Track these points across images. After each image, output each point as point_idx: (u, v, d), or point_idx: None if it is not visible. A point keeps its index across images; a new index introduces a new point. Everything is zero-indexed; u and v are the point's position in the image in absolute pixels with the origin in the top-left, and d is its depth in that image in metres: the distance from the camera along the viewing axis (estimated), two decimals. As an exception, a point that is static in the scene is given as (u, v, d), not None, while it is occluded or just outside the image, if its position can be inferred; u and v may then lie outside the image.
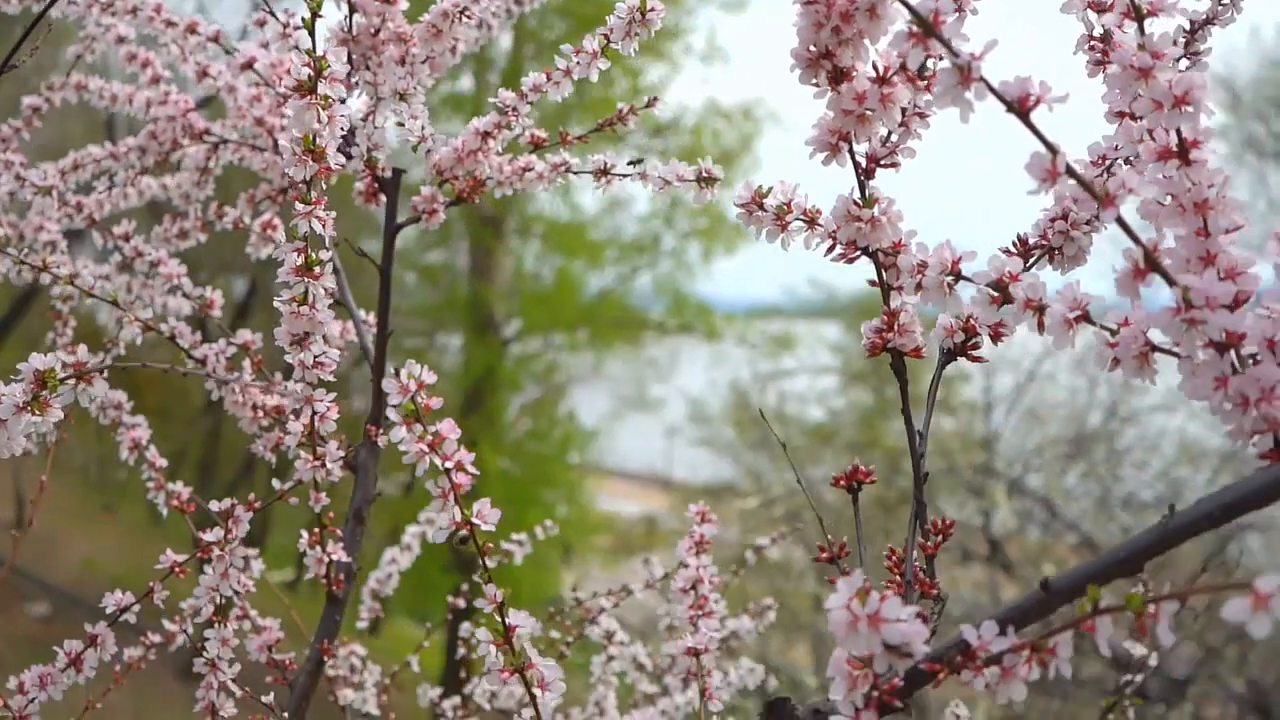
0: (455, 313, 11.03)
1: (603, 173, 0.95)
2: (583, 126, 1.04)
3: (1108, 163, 0.68)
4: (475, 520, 0.63)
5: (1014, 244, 0.69)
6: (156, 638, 1.12)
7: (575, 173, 0.97)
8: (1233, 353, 0.53)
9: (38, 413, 0.68)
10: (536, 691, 0.65)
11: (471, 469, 0.63)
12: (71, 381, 0.65)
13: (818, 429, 9.93)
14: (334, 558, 0.97)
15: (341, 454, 0.91)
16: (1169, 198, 0.54)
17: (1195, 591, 0.43)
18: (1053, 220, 0.68)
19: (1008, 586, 6.65)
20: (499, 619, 0.65)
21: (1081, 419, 7.61)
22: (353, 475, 1.08)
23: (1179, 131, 0.54)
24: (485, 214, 11.16)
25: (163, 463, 1.11)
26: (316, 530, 0.96)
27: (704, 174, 0.86)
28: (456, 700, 1.32)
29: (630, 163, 0.94)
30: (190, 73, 1.16)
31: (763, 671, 1.34)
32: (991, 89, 0.50)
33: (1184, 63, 0.72)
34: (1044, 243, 0.68)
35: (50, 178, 1.15)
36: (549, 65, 0.92)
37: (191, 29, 1.10)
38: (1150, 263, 0.51)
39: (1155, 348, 0.54)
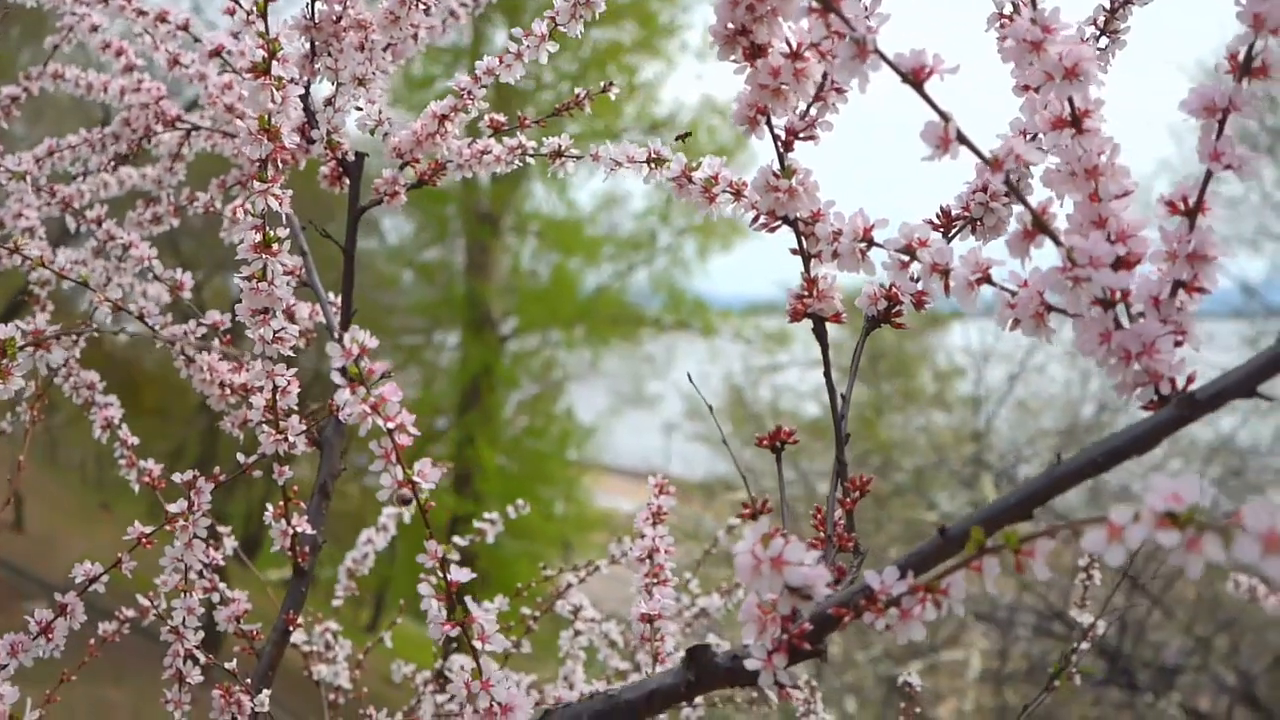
0: (452, 310, 11.07)
1: (557, 155, 0.98)
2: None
3: (1027, 136, 0.71)
4: (416, 479, 0.66)
5: (937, 215, 0.71)
6: (130, 612, 1.14)
7: (532, 155, 1.00)
8: (1122, 310, 0.56)
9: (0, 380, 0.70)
10: (477, 644, 0.67)
11: (413, 430, 0.66)
12: (30, 349, 0.68)
13: (813, 424, 9.97)
14: (299, 530, 1.00)
15: (303, 428, 0.94)
16: (1066, 165, 0.57)
17: (1064, 527, 0.46)
18: (974, 192, 0.71)
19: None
20: (441, 575, 0.68)
21: (1075, 411, 7.65)
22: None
23: (1071, 101, 0.56)
24: (482, 212, 11.22)
25: (134, 440, 1.14)
26: (281, 504, 0.99)
27: (653, 156, 0.89)
28: (428, 675, 1.35)
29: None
30: (161, 60, 1.19)
31: (728, 645, 1.36)
32: (887, 60, 0.53)
33: (1104, 40, 0.75)
34: (965, 214, 0.71)
35: (25, 164, 1.18)
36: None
37: (161, 18, 1.13)
38: (1038, 225, 0.54)
39: (1050, 307, 0.57)
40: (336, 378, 0.65)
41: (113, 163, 1.23)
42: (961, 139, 0.53)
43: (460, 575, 0.68)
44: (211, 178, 1.31)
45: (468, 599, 0.68)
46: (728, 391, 10.41)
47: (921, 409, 8.72)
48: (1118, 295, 0.54)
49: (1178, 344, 0.54)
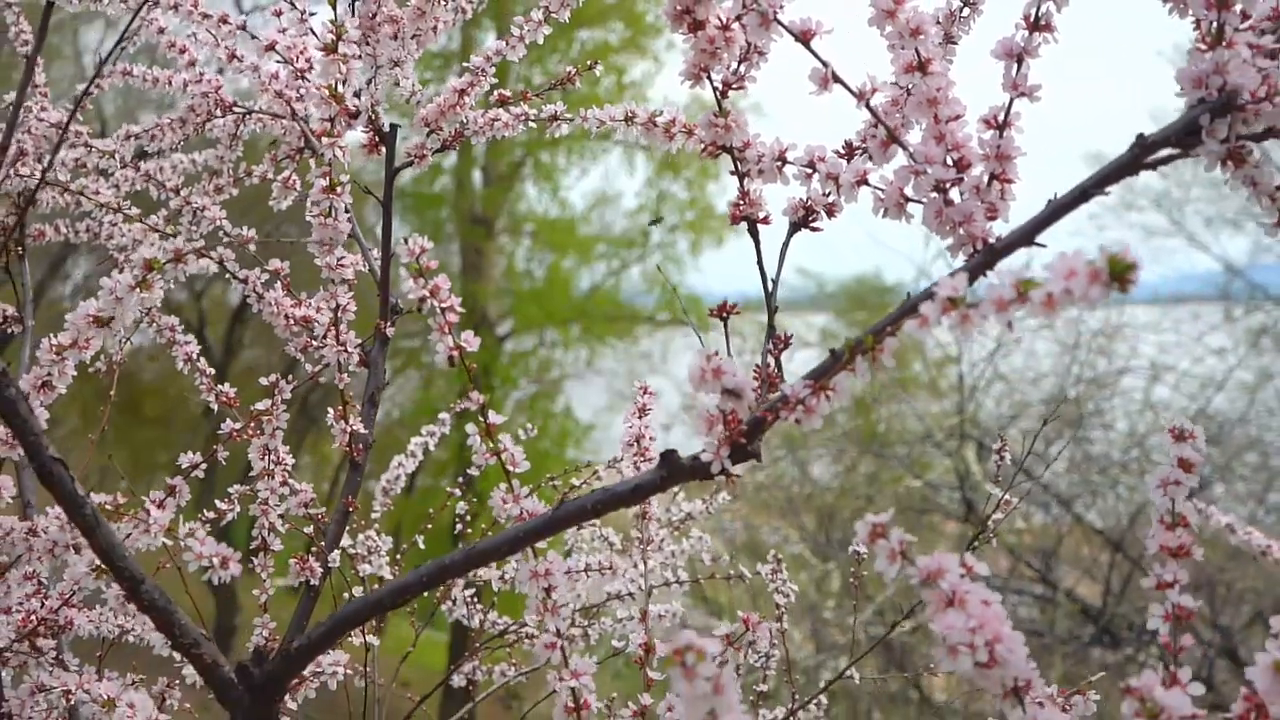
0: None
1: (553, 119, 1.22)
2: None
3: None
4: (463, 343, 0.90)
5: (842, 146, 0.95)
6: (211, 514, 1.38)
7: (533, 121, 1.24)
8: (957, 194, 0.80)
9: (145, 290, 0.94)
10: (509, 467, 0.91)
11: (459, 309, 0.90)
12: (172, 263, 0.92)
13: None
14: (355, 430, 1.24)
15: (359, 341, 1.18)
16: (914, 97, 0.81)
17: (890, 327, 0.70)
18: (869, 128, 0.95)
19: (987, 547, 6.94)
20: (483, 420, 0.92)
21: (1062, 388, 7.92)
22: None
23: (917, 52, 0.80)
24: (475, 215, 11.45)
25: (211, 371, 1.37)
26: (340, 407, 1.23)
27: (629, 114, 1.13)
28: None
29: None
30: (221, 56, 1.42)
31: (709, 540, 1.61)
32: (784, 26, 0.77)
33: (965, 10, 0.99)
34: (863, 144, 0.95)
35: (111, 145, 1.42)
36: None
37: (223, 19, 1.37)
38: (891, 137, 0.78)
39: (908, 198, 0.81)
40: (404, 272, 0.89)
41: (180, 143, 1.47)
42: (836, 79, 0.77)
43: (496, 419, 0.92)
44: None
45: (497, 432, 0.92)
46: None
47: (915, 397, 8.96)
48: (947, 184, 0.78)
49: (991, 218, 0.78)
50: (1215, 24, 0.70)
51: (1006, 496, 1.37)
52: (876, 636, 5.26)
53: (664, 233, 12.18)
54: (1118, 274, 0.54)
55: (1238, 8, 0.70)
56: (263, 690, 0.84)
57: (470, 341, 0.89)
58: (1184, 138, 0.70)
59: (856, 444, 7.75)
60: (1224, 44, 0.70)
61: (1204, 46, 0.71)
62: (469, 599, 1.67)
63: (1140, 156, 0.71)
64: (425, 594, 1.67)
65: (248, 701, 0.84)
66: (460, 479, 1.74)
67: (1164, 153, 0.72)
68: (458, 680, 1.71)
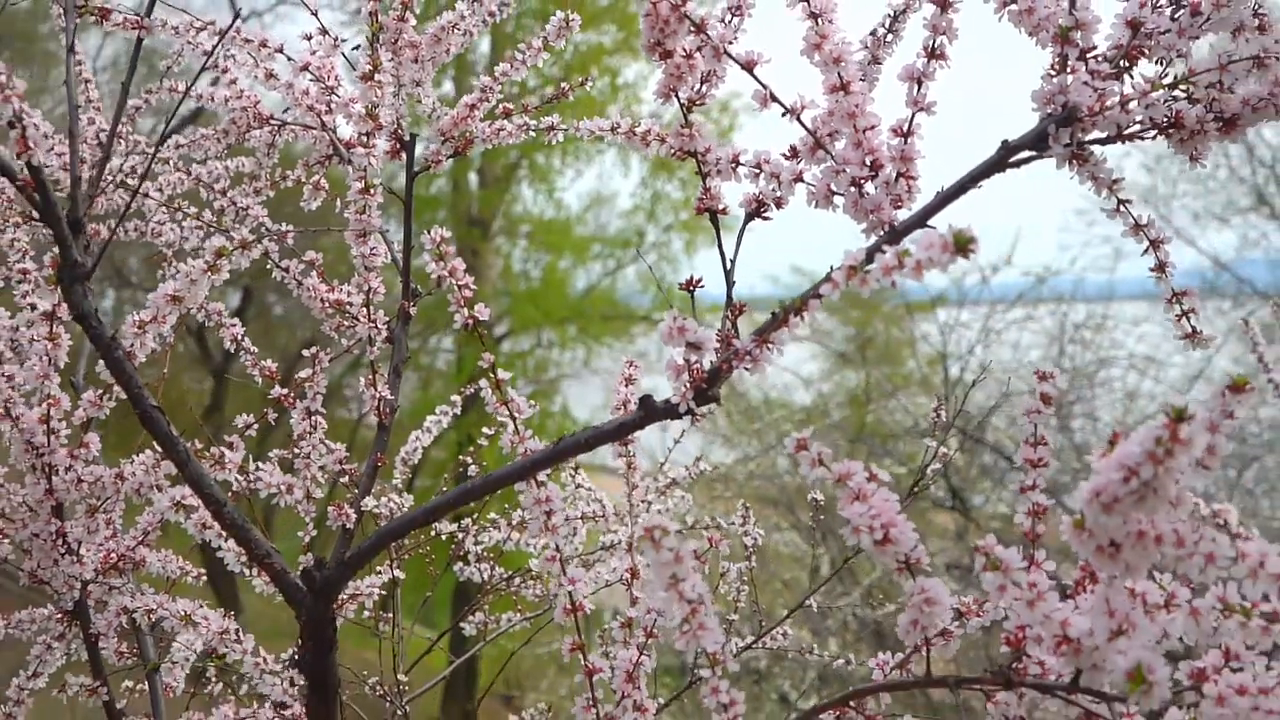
0: (446, 314, 11.49)
1: (551, 129, 1.43)
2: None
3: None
4: (476, 314, 1.10)
5: (789, 149, 1.16)
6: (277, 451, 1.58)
7: (534, 130, 1.45)
8: (871, 188, 1.00)
9: (214, 273, 1.15)
10: (517, 415, 1.12)
11: (472, 286, 1.10)
12: (239, 250, 1.13)
13: (804, 410, 10.37)
14: (383, 395, 1.44)
15: (388, 319, 1.39)
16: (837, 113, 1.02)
17: (821, 285, 0.91)
18: (806, 136, 1.15)
19: (976, 533, 7.17)
20: (493, 375, 1.12)
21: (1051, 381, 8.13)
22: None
23: (840, 75, 1.01)
24: (472, 217, 11.64)
25: (255, 350, 1.58)
26: (370, 376, 1.43)
27: (615, 125, 1.33)
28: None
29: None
30: (260, 75, 1.63)
31: (692, 499, 1.82)
32: (731, 57, 0.98)
33: (889, 36, 1.19)
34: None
35: (164, 151, 1.62)
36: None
37: (263, 43, 1.57)
38: (817, 144, 0.99)
39: (833, 192, 1.02)
40: (426, 255, 1.10)
41: (225, 151, 1.67)
42: (773, 98, 0.98)
43: (504, 375, 1.13)
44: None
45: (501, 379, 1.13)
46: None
47: (909, 394, 9.16)
48: (863, 180, 0.99)
49: (897, 207, 0.99)
50: (1060, 55, 0.91)
51: (943, 449, 1.58)
52: (864, 618, 5.48)
53: (659, 233, 12.39)
54: (961, 245, 0.75)
55: (1078, 43, 0.91)
56: (322, 592, 1.04)
57: (482, 312, 1.10)
58: (1036, 142, 0.91)
59: (847, 435, 7.96)
60: (1067, 70, 0.91)
61: (1052, 72, 0.91)
62: (479, 555, 1.88)
63: (1005, 157, 0.92)
64: (443, 543, 1.88)
65: (310, 602, 1.04)
66: (471, 449, 1.94)
67: (1024, 154, 0.93)
68: (468, 630, 1.91)
